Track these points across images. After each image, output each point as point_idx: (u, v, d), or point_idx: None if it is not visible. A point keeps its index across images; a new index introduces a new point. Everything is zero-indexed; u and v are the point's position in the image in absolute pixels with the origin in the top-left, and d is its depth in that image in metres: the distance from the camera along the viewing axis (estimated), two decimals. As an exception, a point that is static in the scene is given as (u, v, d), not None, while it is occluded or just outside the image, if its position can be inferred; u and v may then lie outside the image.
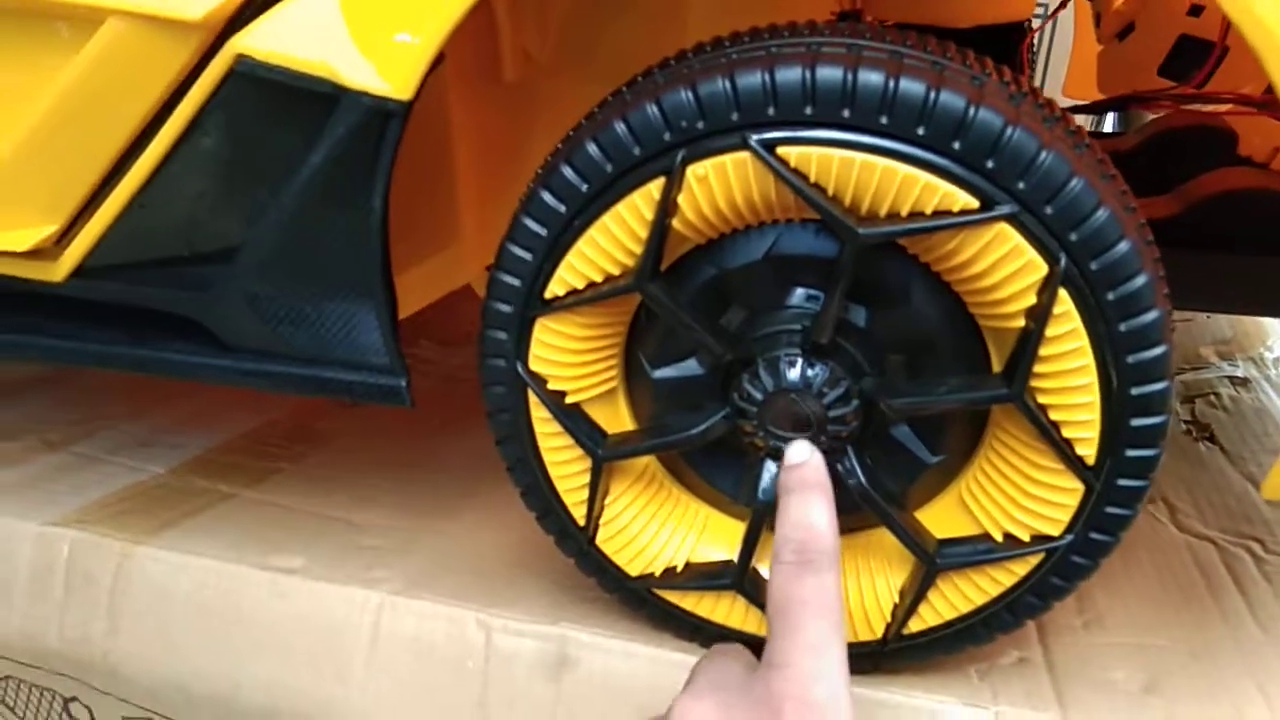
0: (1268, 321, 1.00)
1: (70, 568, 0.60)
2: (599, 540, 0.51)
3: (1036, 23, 1.08)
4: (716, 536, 0.51)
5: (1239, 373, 0.90)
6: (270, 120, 0.46)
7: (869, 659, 0.49)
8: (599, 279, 0.45)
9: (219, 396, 0.84)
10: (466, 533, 0.63)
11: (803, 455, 0.44)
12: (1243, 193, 0.70)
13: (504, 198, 0.47)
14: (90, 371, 0.89)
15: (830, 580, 0.40)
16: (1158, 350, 0.41)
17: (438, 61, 0.44)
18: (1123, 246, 0.39)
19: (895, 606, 0.48)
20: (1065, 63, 1.12)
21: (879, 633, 0.48)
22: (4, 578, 0.61)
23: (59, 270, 0.53)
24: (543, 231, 0.45)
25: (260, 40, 0.44)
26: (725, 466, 0.50)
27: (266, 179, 0.47)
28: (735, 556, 0.49)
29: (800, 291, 0.45)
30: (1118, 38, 1.04)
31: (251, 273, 0.50)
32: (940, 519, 0.47)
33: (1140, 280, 0.40)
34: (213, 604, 0.57)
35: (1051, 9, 1.06)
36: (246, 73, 0.45)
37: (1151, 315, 0.40)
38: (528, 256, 0.46)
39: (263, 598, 0.57)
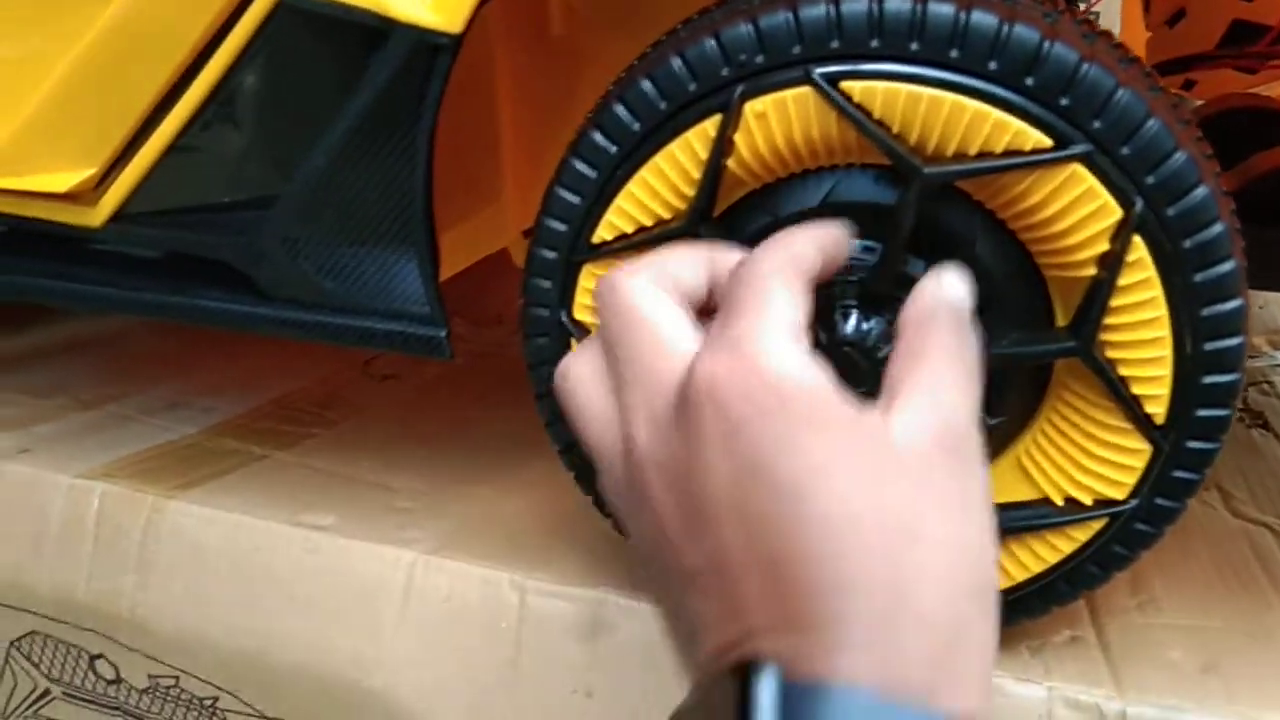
0: (1321, 312, 0.98)
1: (100, 520, 0.59)
2: (639, 500, 0.50)
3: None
4: (761, 499, 0.50)
5: (1293, 362, 0.88)
6: (316, 56, 0.46)
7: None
8: (649, 223, 0.43)
9: (253, 363, 0.83)
10: (501, 497, 0.62)
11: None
12: (1302, 170, 0.69)
13: (545, 158, 0.46)
14: (127, 336, 0.89)
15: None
16: (1233, 304, 0.39)
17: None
18: (1200, 192, 0.38)
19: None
20: (1113, 50, 1.10)
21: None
22: (36, 529, 0.60)
23: (98, 215, 0.53)
24: (592, 173, 0.44)
25: (309, -28, 0.43)
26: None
27: (311, 118, 0.46)
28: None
29: (856, 242, 0.44)
30: (1168, 24, 1.01)
31: (293, 217, 0.49)
32: (998, 483, 0.45)
33: (1217, 228, 0.38)
34: (243, 559, 0.57)
35: (1100, -6, 1.04)
36: (293, 5, 0.44)
37: (1228, 266, 0.39)
38: (575, 200, 0.44)
39: (294, 554, 0.56)
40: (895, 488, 0.27)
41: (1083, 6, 1.18)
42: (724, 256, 0.34)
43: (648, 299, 0.31)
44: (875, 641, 0.25)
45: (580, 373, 0.32)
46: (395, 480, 0.64)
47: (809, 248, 0.33)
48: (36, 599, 0.61)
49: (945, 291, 0.32)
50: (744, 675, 0.25)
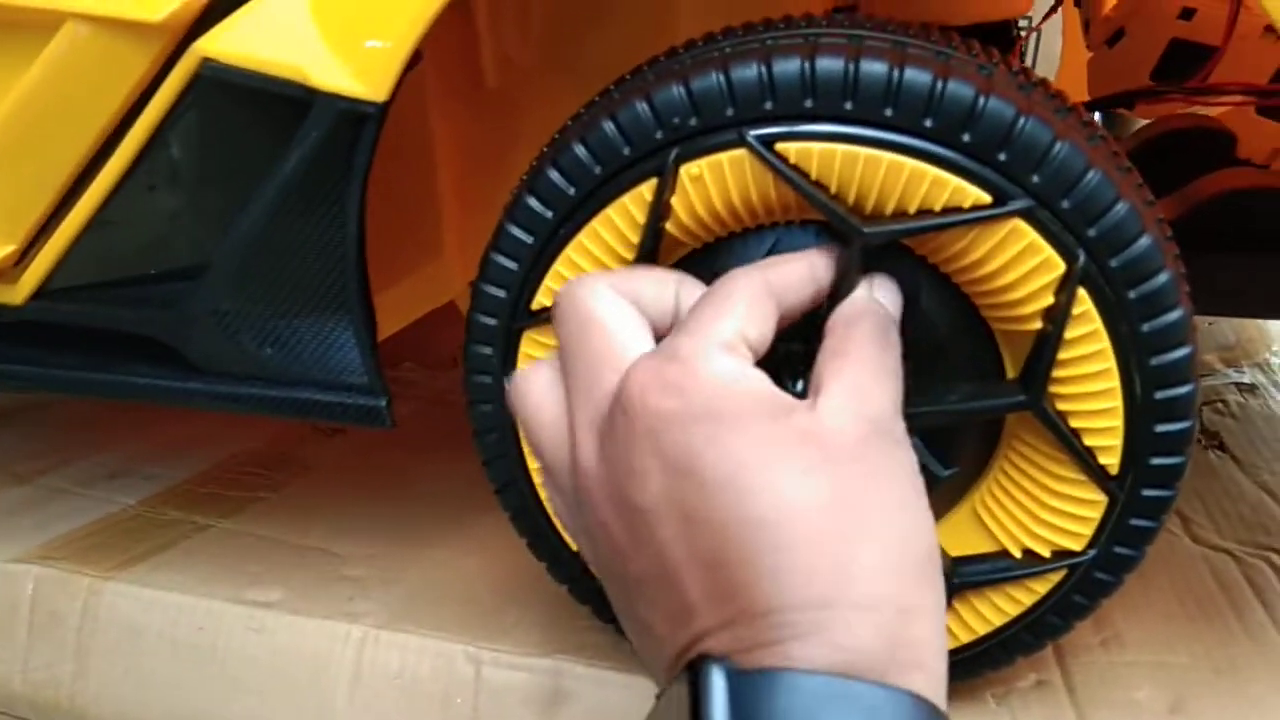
0: (1271, 327, 0.98)
1: (35, 606, 0.57)
2: (593, 566, 0.48)
3: (1025, 33, 1.07)
4: (717, 559, 0.48)
5: (1245, 379, 0.89)
6: (238, 127, 0.44)
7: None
8: (589, 288, 0.42)
9: (194, 426, 0.81)
10: (453, 561, 0.60)
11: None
12: (1244, 192, 0.69)
13: (487, 210, 0.45)
14: (61, 403, 0.86)
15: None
16: (1182, 351, 0.39)
17: (415, 62, 0.42)
18: (1144, 242, 0.37)
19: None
20: (1053, 71, 1.11)
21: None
22: (-34, 619, 0.58)
23: (18, 293, 0.51)
24: (529, 239, 0.42)
25: (226, 42, 0.42)
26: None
27: (235, 189, 0.45)
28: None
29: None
30: (1107, 44, 1.02)
31: (221, 290, 0.47)
32: (954, 536, 0.45)
33: (1162, 278, 0.38)
34: (186, 641, 0.54)
35: (1039, 17, 1.05)
36: (212, 77, 0.42)
37: (1175, 314, 0.38)
38: (513, 266, 0.43)
39: (239, 633, 0.54)
40: (826, 476, 0.27)
41: (1023, 24, 1.19)
42: (692, 287, 0.34)
43: (604, 303, 0.31)
44: (823, 627, 0.25)
45: (531, 386, 0.32)
46: (344, 545, 0.63)
47: (791, 270, 0.34)
48: (-30, 691, 0.58)
49: (874, 297, 0.34)
50: (694, 675, 0.25)
